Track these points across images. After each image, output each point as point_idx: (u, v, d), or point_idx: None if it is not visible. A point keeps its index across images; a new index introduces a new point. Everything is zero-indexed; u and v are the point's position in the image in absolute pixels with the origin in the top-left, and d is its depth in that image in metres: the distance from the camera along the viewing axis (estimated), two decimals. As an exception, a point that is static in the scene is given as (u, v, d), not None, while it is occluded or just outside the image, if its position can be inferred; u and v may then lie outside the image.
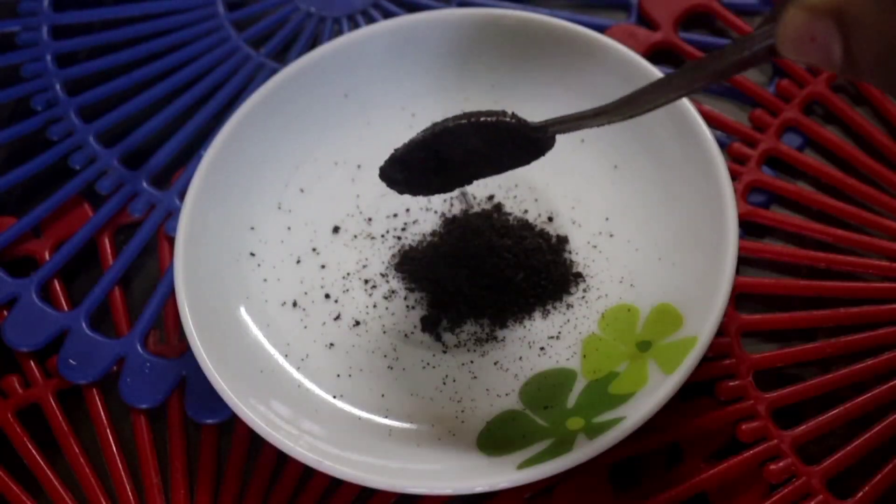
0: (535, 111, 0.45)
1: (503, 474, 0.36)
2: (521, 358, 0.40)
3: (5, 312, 0.44)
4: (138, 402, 0.42)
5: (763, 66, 0.49)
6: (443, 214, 0.44)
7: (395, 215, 0.44)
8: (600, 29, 0.46)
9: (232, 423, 0.41)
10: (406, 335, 0.41)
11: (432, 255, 0.42)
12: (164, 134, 0.49)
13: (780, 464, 0.39)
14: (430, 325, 0.41)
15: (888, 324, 0.41)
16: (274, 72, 0.47)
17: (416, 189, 0.38)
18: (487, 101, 0.46)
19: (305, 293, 0.43)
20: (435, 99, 0.46)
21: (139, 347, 0.43)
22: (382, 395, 0.40)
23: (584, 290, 0.42)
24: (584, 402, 0.38)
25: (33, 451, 0.42)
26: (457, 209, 0.44)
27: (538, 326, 0.41)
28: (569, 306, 0.41)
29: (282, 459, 0.40)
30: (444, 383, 0.40)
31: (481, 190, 0.44)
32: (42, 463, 0.42)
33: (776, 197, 0.45)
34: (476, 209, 0.44)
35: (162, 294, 0.44)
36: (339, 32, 0.52)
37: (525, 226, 0.43)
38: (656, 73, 0.43)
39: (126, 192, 0.47)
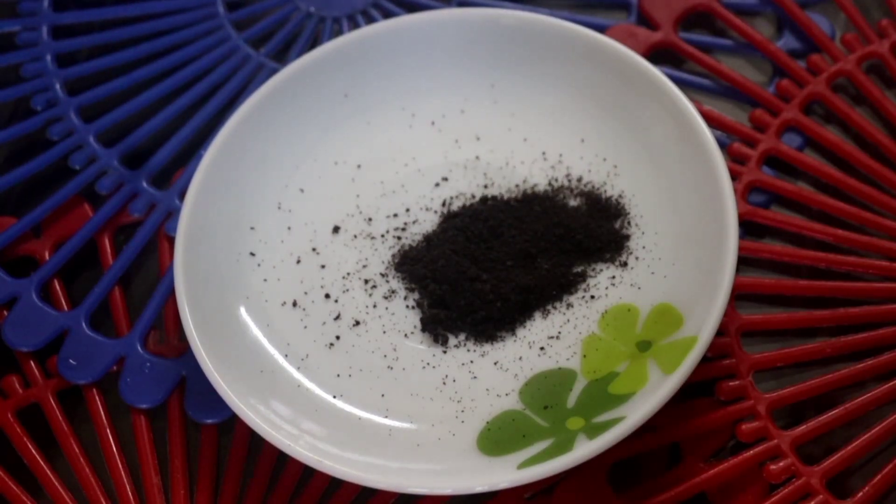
0: (534, 111, 0.46)
1: (503, 474, 0.36)
2: (521, 358, 0.40)
3: (5, 312, 0.44)
4: (138, 401, 0.42)
5: (763, 66, 0.49)
6: (443, 214, 0.44)
7: (395, 215, 0.44)
8: (600, 29, 0.46)
9: (232, 423, 0.41)
10: (406, 335, 0.41)
11: (432, 255, 0.42)
12: (164, 134, 0.49)
13: (780, 464, 0.39)
14: (430, 325, 0.41)
15: (888, 324, 0.41)
16: (274, 72, 0.47)
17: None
18: (487, 100, 0.46)
19: (305, 293, 0.43)
20: (435, 98, 0.46)
21: (139, 347, 0.43)
22: (382, 395, 0.40)
23: (584, 290, 0.42)
24: (584, 402, 0.38)
25: (33, 451, 0.42)
26: (456, 207, 0.44)
27: (538, 326, 0.41)
28: (569, 306, 0.41)
29: (282, 459, 0.40)
30: (444, 383, 0.40)
31: (480, 189, 0.44)
32: (42, 463, 0.42)
33: (776, 197, 0.45)
34: (475, 210, 0.44)
35: (162, 294, 0.44)
36: (339, 32, 0.52)
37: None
38: (656, 73, 0.43)
39: (126, 192, 0.47)
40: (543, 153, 0.45)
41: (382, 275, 0.43)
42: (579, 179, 0.44)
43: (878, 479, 0.38)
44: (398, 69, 0.46)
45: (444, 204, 0.44)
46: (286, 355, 0.41)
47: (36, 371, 0.43)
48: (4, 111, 0.51)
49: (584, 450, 0.36)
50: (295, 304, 0.42)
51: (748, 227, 0.45)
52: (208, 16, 0.52)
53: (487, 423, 0.39)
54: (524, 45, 0.45)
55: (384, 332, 0.42)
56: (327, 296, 0.43)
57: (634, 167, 0.43)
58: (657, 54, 0.49)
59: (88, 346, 0.43)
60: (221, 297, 0.41)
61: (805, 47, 0.49)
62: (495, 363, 0.40)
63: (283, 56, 0.51)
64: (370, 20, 0.51)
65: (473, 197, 0.44)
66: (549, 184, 0.44)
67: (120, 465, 0.41)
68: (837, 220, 0.44)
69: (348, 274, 0.43)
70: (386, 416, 0.39)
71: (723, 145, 0.45)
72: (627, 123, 0.44)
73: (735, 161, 0.46)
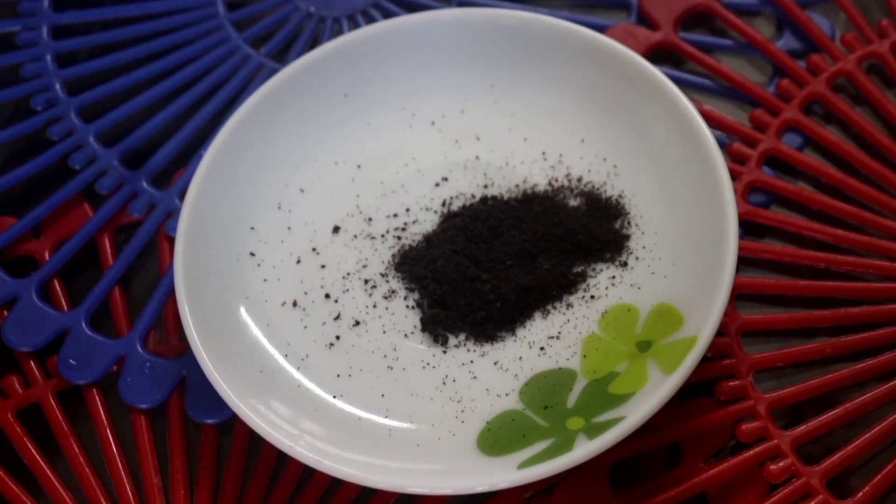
0: (534, 111, 0.46)
1: (503, 474, 0.36)
2: (521, 358, 0.40)
3: (5, 312, 0.44)
4: (138, 401, 0.42)
5: (763, 66, 0.49)
6: (443, 214, 0.44)
7: (395, 215, 0.44)
8: (600, 29, 0.46)
9: (232, 423, 0.41)
10: (406, 335, 0.41)
11: (432, 255, 0.42)
12: (164, 134, 0.49)
13: (780, 464, 0.39)
14: (430, 325, 0.41)
15: (888, 324, 0.41)
16: (274, 72, 0.47)
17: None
18: (487, 100, 0.46)
19: (305, 293, 0.43)
20: (435, 98, 0.46)
21: (139, 347, 0.43)
22: (382, 395, 0.40)
23: (584, 290, 0.42)
24: (584, 402, 0.38)
25: (33, 451, 0.42)
26: (456, 207, 0.44)
27: (538, 326, 0.41)
28: (569, 306, 0.41)
29: (282, 459, 0.40)
30: (444, 383, 0.40)
31: (480, 189, 0.44)
32: (42, 463, 0.42)
33: (776, 197, 0.45)
34: (475, 210, 0.44)
35: (162, 294, 0.44)
36: (339, 32, 0.52)
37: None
38: (656, 73, 0.43)
39: (126, 192, 0.47)
40: (543, 153, 0.45)
41: (382, 275, 0.43)
42: (579, 179, 0.44)
43: (878, 479, 0.38)
44: (398, 69, 0.46)
45: (444, 204, 0.44)
46: (286, 355, 0.41)
47: (36, 371, 0.43)
48: (4, 111, 0.51)
49: (584, 450, 0.36)
50: (295, 304, 0.42)
51: (748, 227, 0.45)
52: (208, 16, 0.52)
53: (487, 423, 0.39)
54: (524, 45, 0.45)
55: (384, 332, 0.42)
56: (327, 296, 0.43)
57: (634, 167, 0.43)
58: (657, 54, 0.49)
59: (88, 346, 0.43)
60: (221, 297, 0.41)
61: (805, 47, 0.49)
62: (495, 363, 0.40)
63: (283, 56, 0.51)
64: (370, 20, 0.51)
65: (473, 197, 0.44)
66: (549, 184, 0.44)
67: (120, 465, 0.41)
68: (837, 220, 0.44)
69: (348, 274, 0.43)
70: (386, 416, 0.39)
71: (723, 145, 0.45)
72: (627, 123, 0.44)
73: (735, 161, 0.46)
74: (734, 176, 0.45)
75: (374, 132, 0.46)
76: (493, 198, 0.44)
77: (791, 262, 0.44)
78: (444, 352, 0.41)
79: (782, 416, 0.40)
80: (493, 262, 0.42)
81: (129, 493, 0.41)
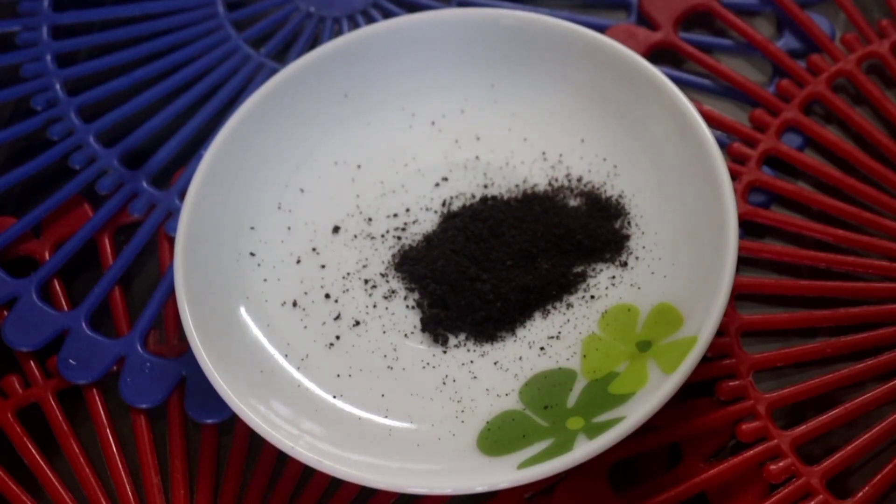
0: (534, 111, 0.46)
1: (503, 474, 0.36)
2: (521, 358, 0.40)
3: (5, 312, 0.44)
4: (138, 401, 0.42)
5: (763, 66, 0.49)
6: (443, 214, 0.44)
7: (395, 215, 0.44)
8: (600, 29, 0.46)
9: (232, 423, 0.41)
10: (406, 335, 0.41)
11: (432, 255, 0.42)
12: (164, 134, 0.49)
13: (780, 464, 0.39)
14: (430, 325, 0.41)
15: (888, 324, 0.41)
16: (274, 72, 0.47)
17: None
18: (487, 100, 0.46)
19: (305, 293, 0.43)
20: (435, 98, 0.46)
21: (139, 347, 0.43)
22: (382, 395, 0.40)
23: (584, 290, 0.42)
24: (584, 402, 0.39)
25: (33, 451, 0.42)
26: (456, 207, 0.44)
27: (538, 326, 0.41)
28: (569, 306, 0.41)
29: (282, 459, 0.40)
30: (444, 383, 0.40)
31: (480, 189, 0.44)
32: (42, 463, 0.42)
33: (776, 197, 0.45)
34: (475, 210, 0.44)
35: (162, 294, 0.44)
36: (339, 32, 0.52)
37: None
38: (656, 73, 0.43)
39: (126, 192, 0.47)
40: (543, 153, 0.45)
41: (382, 275, 0.43)
42: (579, 179, 0.44)
43: (878, 479, 0.38)
44: (398, 69, 0.46)
45: (444, 204, 0.44)
46: (286, 355, 0.41)
47: (36, 371, 0.43)
48: (4, 111, 0.51)
49: (584, 450, 0.36)
50: (295, 304, 0.42)
51: (748, 227, 0.45)
52: (208, 16, 0.52)
53: (487, 423, 0.39)
54: (524, 45, 0.45)
55: (384, 332, 0.42)
56: (327, 296, 0.43)
57: (634, 167, 0.43)
58: (657, 54, 0.49)
59: (88, 346, 0.43)
60: (221, 297, 0.41)
61: (805, 47, 0.49)
62: (495, 363, 0.40)
63: (283, 56, 0.51)
64: (370, 20, 0.51)
65: (473, 197, 0.44)
66: (549, 184, 0.44)
67: (120, 465, 0.41)
68: (837, 220, 0.44)
69: (348, 274, 0.43)
70: (386, 416, 0.39)
71: (723, 145, 0.45)
72: (627, 123, 0.44)
73: (735, 161, 0.46)
74: (734, 176, 0.45)
75: (374, 132, 0.46)
76: (493, 198, 0.44)
77: (791, 262, 0.44)
78: (444, 352, 0.41)
79: (782, 416, 0.40)
80: (493, 262, 0.42)
81: (129, 493, 0.41)
